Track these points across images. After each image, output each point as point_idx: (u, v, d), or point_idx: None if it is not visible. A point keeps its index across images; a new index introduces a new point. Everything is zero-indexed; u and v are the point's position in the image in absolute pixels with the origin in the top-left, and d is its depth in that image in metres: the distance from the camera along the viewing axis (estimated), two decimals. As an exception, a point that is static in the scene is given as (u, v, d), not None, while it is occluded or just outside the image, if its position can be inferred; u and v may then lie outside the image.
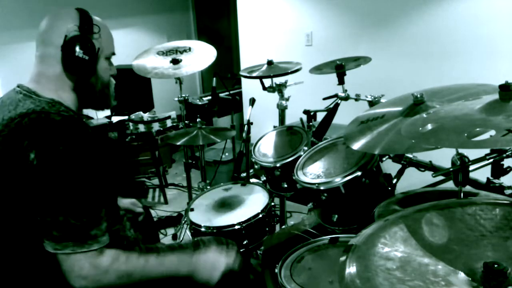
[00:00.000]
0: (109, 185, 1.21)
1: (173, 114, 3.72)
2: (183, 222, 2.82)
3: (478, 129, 0.92)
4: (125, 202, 1.64)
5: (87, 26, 1.20)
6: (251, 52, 3.98)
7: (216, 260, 1.28)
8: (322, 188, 1.61)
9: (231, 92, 3.54)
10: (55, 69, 1.20)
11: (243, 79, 3.96)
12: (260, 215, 1.90)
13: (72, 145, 1.08)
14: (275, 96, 2.44)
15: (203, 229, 1.87)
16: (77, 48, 1.17)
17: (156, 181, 3.84)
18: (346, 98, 2.12)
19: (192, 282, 1.24)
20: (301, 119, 2.29)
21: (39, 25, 1.21)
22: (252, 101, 2.49)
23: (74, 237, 1.06)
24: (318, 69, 2.26)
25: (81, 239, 1.07)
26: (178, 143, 2.38)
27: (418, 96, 1.38)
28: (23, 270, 1.14)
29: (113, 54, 1.31)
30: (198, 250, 1.28)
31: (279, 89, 2.39)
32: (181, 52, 2.58)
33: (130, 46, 3.69)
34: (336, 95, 2.15)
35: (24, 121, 1.08)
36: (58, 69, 1.19)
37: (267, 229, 1.96)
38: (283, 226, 2.29)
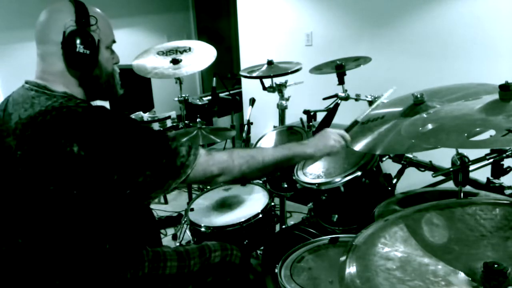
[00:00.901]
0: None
1: (173, 114, 3.72)
2: (183, 222, 2.82)
3: (478, 129, 0.92)
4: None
5: (84, 19, 1.17)
6: (251, 52, 3.98)
7: (328, 138, 1.37)
8: (322, 188, 1.61)
9: (231, 92, 3.54)
10: (58, 66, 1.18)
11: (243, 79, 3.96)
12: (260, 215, 1.90)
13: (107, 120, 1.10)
14: (275, 96, 2.44)
15: (203, 229, 1.87)
16: (77, 44, 1.15)
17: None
18: (346, 98, 2.12)
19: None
20: (301, 119, 2.29)
21: (36, 22, 1.19)
22: (252, 101, 2.49)
23: (168, 176, 1.13)
24: (318, 69, 2.26)
25: (174, 174, 1.14)
26: (178, 143, 2.38)
27: (418, 96, 1.38)
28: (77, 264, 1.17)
29: (114, 42, 1.28)
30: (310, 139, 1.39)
31: (279, 89, 2.39)
32: (181, 52, 2.58)
33: (130, 46, 3.68)
34: (336, 95, 2.15)
35: (47, 118, 1.08)
36: (61, 66, 1.18)
37: (267, 229, 1.97)
38: (283, 226, 2.29)
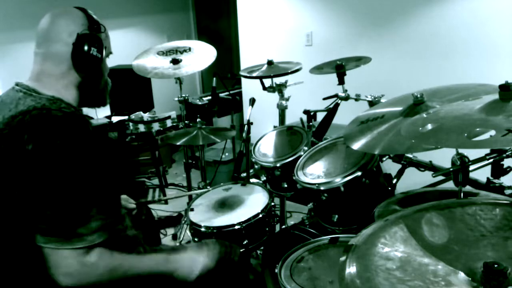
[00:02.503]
0: (109, 184, 1.20)
1: (173, 114, 3.71)
2: (183, 222, 2.82)
3: (478, 129, 0.92)
4: None
5: (96, 25, 1.22)
6: (251, 52, 3.98)
7: (193, 260, 1.30)
8: (322, 188, 1.61)
9: (231, 92, 3.53)
10: (61, 66, 1.19)
11: (243, 79, 3.96)
12: (260, 215, 1.90)
13: (69, 141, 1.07)
14: (275, 96, 2.44)
15: (203, 229, 1.87)
16: (91, 46, 1.18)
17: (156, 181, 3.84)
18: (346, 98, 2.12)
19: (172, 279, 1.25)
20: (301, 119, 2.29)
21: (40, 24, 1.21)
22: (252, 101, 2.49)
23: (59, 233, 1.05)
24: (319, 69, 2.26)
25: (66, 236, 1.06)
26: (178, 143, 2.38)
27: (418, 96, 1.38)
28: (18, 263, 1.13)
29: (111, 53, 1.33)
30: (177, 251, 1.32)
31: (279, 89, 2.39)
32: (181, 52, 2.58)
33: (130, 46, 3.68)
34: (336, 95, 2.15)
35: (26, 118, 1.09)
36: (65, 66, 1.19)
37: (267, 229, 1.96)
38: (283, 226, 2.29)
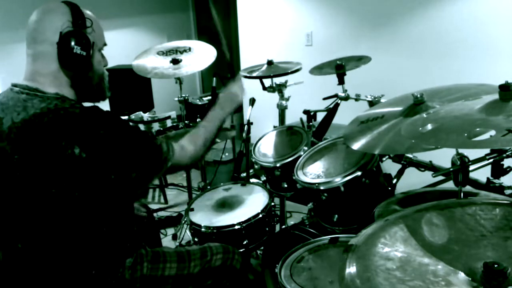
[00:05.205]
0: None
1: (173, 114, 3.71)
2: (183, 222, 2.81)
3: (478, 129, 0.92)
4: None
5: (81, 21, 1.18)
6: (251, 52, 3.98)
7: (234, 94, 1.68)
8: (322, 188, 1.61)
9: (231, 92, 3.52)
10: (50, 66, 1.17)
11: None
12: (260, 215, 1.90)
13: (104, 121, 1.13)
14: (275, 96, 2.44)
15: (203, 229, 1.87)
16: (74, 44, 1.15)
17: (156, 181, 3.84)
18: (346, 98, 2.12)
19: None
20: (301, 119, 2.29)
21: (28, 22, 1.18)
22: (252, 101, 2.49)
23: (154, 171, 1.25)
24: (319, 68, 2.26)
25: (159, 168, 1.25)
26: (178, 143, 2.38)
27: (418, 96, 1.38)
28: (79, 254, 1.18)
29: (105, 45, 1.29)
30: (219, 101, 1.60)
31: (279, 89, 2.39)
32: (181, 52, 2.58)
33: (130, 46, 3.68)
34: (336, 95, 2.15)
35: (44, 121, 1.08)
36: (54, 66, 1.17)
37: (267, 229, 1.96)
38: (283, 226, 2.29)
